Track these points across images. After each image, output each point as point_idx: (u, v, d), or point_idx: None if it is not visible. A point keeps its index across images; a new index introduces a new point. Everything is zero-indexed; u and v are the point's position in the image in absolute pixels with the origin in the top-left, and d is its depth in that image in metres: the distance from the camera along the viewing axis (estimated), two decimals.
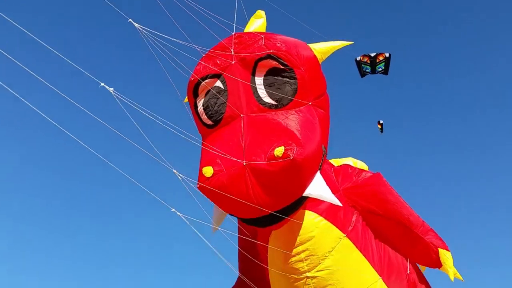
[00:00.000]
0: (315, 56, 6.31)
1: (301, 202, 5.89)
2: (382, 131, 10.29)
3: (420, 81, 28.90)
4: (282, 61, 6.03)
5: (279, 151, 5.39)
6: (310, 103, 6.05)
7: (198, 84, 6.40)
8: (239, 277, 7.34)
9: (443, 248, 6.82)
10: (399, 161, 28.26)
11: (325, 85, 6.49)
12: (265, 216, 5.70)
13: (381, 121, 10.43)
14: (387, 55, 9.10)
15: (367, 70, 9.15)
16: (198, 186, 5.74)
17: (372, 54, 9.12)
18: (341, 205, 6.02)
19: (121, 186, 23.28)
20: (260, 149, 5.56)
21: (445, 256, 6.74)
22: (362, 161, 7.79)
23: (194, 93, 6.50)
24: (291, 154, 5.34)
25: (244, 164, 5.52)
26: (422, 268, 7.40)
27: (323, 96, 6.43)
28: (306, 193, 5.73)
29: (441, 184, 27.46)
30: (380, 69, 9.08)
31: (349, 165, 7.32)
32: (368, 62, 9.06)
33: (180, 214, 5.25)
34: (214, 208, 6.09)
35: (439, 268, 6.91)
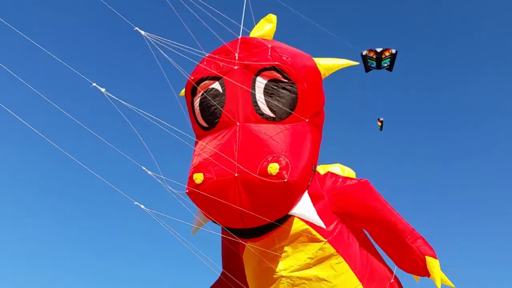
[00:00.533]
0: (319, 72, 6.22)
1: (283, 221, 5.91)
2: (381, 129, 10.29)
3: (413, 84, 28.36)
4: (286, 75, 5.95)
5: (273, 168, 5.36)
6: (307, 120, 5.99)
7: (197, 83, 6.32)
8: (222, 273, 7.47)
9: (430, 256, 6.88)
10: (391, 164, 28.24)
11: (323, 102, 6.43)
12: (247, 228, 5.76)
13: (382, 119, 10.40)
14: (393, 51, 9.07)
15: (372, 65, 9.07)
16: (187, 191, 5.78)
17: (379, 50, 9.04)
18: (324, 227, 6.07)
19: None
20: (253, 162, 5.53)
21: (432, 264, 6.81)
22: (350, 167, 7.77)
23: (192, 92, 6.45)
24: (285, 176, 5.34)
25: (236, 175, 5.52)
26: (416, 278, 7.43)
27: (320, 114, 6.41)
28: (292, 212, 5.77)
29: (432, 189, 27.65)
30: (386, 65, 9.02)
31: (334, 173, 7.27)
32: (374, 57, 9.00)
33: (146, 209, 5.35)
34: (196, 213, 6.13)
35: (428, 277, 6.98)
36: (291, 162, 5.46)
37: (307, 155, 5.78)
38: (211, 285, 7.70)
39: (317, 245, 6.38)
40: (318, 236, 6.40)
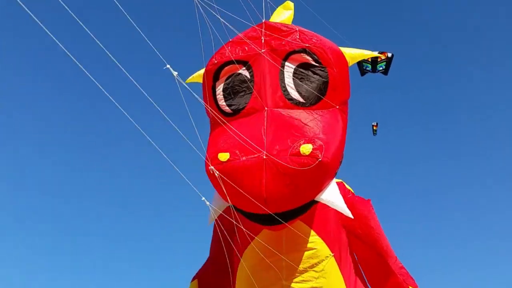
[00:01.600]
0: (346, 59, 6.11)
1: (307, 208, 5.58)
2: (375, 134, 10.26)
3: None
4: (317, 58, 5.79)
5: (306, 148, 5.09)
6: (337, 107, 5.82)
7: (221, 68, 6.08)
8: (206, 262, 7.25)
9: (413, 287, 6.93)
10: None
11: (349, 91, 6.29)
12: (269, 214, 5.30)
13: (375, 123, 10.37)
14: (389, 55, 8.82)
15: (367, 69, 9.12)
16: (209, 169, 5.33)
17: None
18: (352, 217, 5.83)
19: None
20: (284, 144, 5.23)
21: None
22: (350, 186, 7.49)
23: (214, 76, 6.14)
24: (319, 155, 5.07)
25: (264, 157, 5.15)
26: None
27: (347, 103, 6.28)
28: (318, 197, 5.47)
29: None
30: (381, 69, 9.08)
31: (344, 184, 7.09)
32: (369, 60, 9.12)
33: None
34: (215, 196, 5.72)
35: None
36: (325, 143, 5.22)
37: (338, 140, 5.58)
38: (199, 270, 7.39)
39: (322, 258, 6.17)
40: (326, 249, 6.21)
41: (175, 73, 4.53)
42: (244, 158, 5.23)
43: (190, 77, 6.49)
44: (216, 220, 5.96)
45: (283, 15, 6.60)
